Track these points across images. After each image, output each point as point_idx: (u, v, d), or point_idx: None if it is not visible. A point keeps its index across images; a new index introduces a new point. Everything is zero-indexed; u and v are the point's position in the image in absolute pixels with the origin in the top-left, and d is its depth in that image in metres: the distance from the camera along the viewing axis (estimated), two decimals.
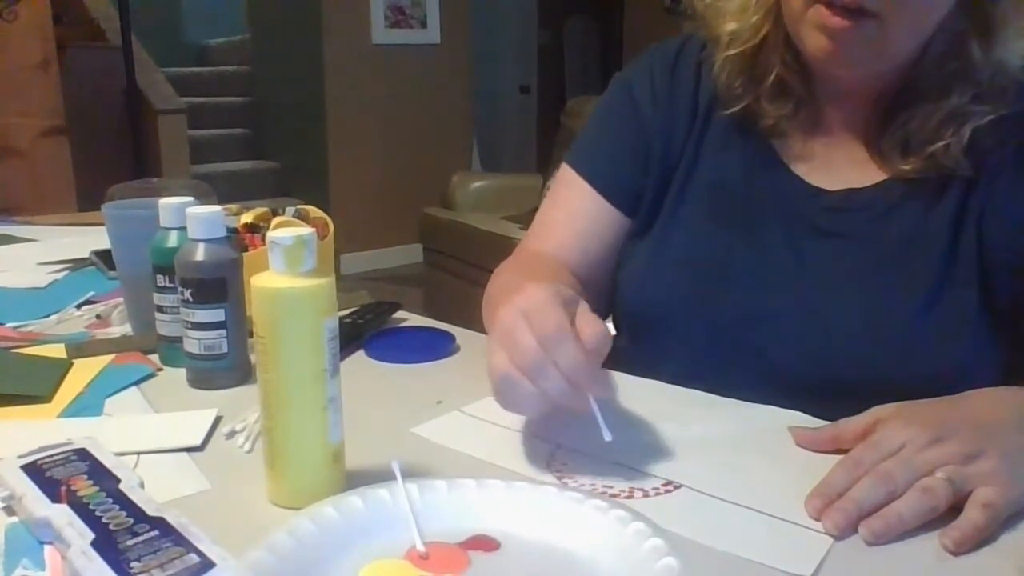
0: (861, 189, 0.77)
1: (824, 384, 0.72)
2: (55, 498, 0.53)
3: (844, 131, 0.80)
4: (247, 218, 0.99)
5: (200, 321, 0.75)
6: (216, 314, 0.75)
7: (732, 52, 0.79)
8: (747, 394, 0.73)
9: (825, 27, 0.68)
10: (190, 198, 0.80)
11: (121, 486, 0.54)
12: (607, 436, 0.57)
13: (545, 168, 3.48)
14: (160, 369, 0.82)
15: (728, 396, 0.73)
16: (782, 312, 0.76)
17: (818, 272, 0.76)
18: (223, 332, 0.75)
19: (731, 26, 0.78)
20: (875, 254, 0.75)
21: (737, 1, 0.78)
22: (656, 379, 0.78)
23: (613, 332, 0.58)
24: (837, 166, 0.79)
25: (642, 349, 0.84)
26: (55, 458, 0.58)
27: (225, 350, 0.76)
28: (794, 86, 0.79)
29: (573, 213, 0.88)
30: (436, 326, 0.94)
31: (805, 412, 0.69)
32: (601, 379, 0.57)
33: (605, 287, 0.89)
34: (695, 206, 0.82)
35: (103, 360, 0.82)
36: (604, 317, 0.90)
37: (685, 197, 0.83)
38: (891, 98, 0.76)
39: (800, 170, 0.80)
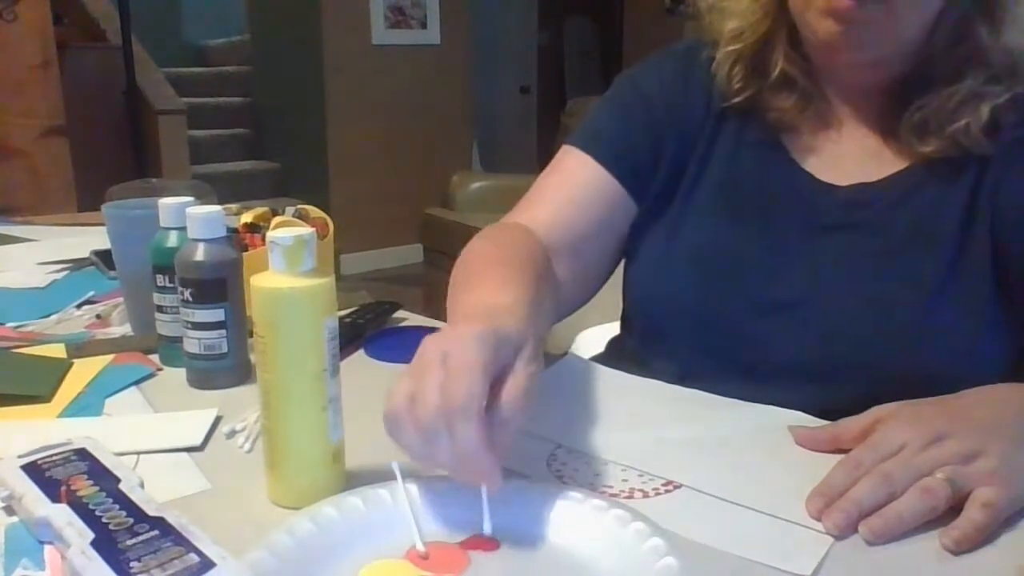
0: (873, 183, 0.77)
1: (834, 375, 0.72)
2: (55, 498, 0.53)
3: (855, 125, 0.80)
4: (247, 218, 0.98)
5: (200, 321, 0.75)
6: (216, 314, 0.75)
7: (733, 48, 0.79)
8: (758, 387, 0.72)
9: (832, 10, 0.69)
10: (190, 198, 0.80)
11: (121, 486, 0.54)
12: (487, 527, 0.51)
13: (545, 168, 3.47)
14: (160, 369, 0.82)
15: (739, 389, 0.73)
16: (793, 305, 0.76)
17: (829, 265, 0.76)
18: (223, 332, 0.75)
19: (732, 24, 0.79)
20: (886, 244, 0.75)
21: (740, 3, 0.78)
22: (666, 374, 0.78)
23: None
24: (848, 161, 0.79)
25: (652, 344, 0.84)
26: (55, 458, 0.58)
27: (225, 350, 0.76)
28: (799, 81, 0.79)
29: (569, 182, 0.85)
30: (436, 326, 0.94)
31: (815, 404, 0.69)
32: (493, 471, 0.49)
33: (599, 263, 0.86)
34: (707, 202, 0.82)
35: (103, 360, 0.82)
36: (594, 292, 0.88)
37: (696, 193, 0.83)
38: (902, 87, 0.75)
39: (811, 167, 0.80)
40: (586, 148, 0.85)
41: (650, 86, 0.86)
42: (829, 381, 0.71)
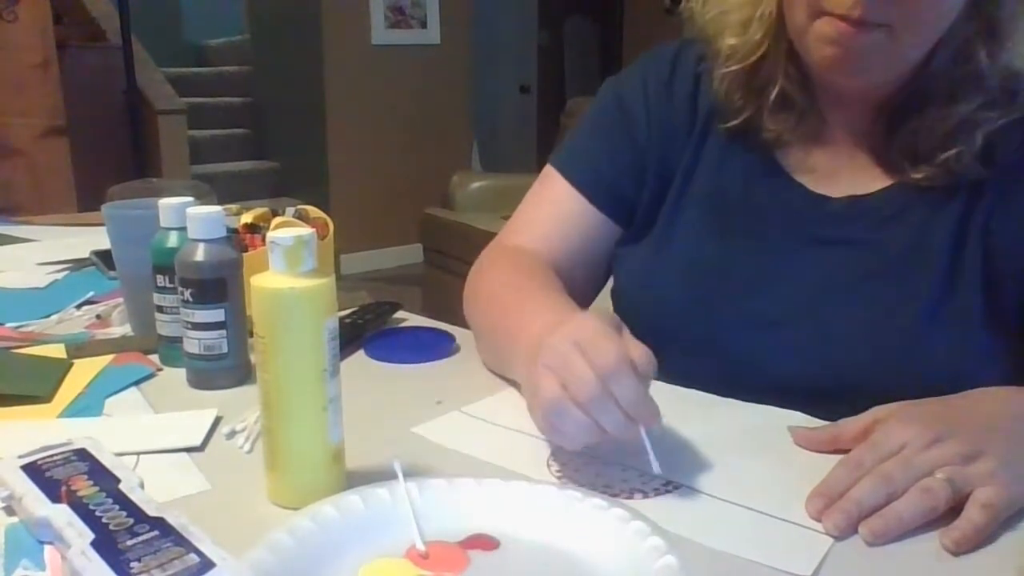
0: (865, 196, 0.76)
1: (824, 391, 0.72)
2: (55, 498, 0.53)
3: (848, 139, 0.79)
4: (247, 218, 0.98)
5: (200, 321, 0.75)
6: (216, 314, 0.75)
7: (731, 68, 0.78)
8: (747, 399, 0.72)
9: (832, 38, 0.67)
10: (190, 198, 0.80)
11: (121, 486, 0.54)
12: (656, 468, 0.56)
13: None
14: (160, 369, 0.82)
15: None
16: (783, 319, 0.75)
17: (820, 279, 0.75)
18: (223, 332, 0.75)
19: (731, 41, 0.77)
20: (878, 260, 0.74)
21: (739, 16, 0.76)
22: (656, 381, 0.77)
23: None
24: (841, 174, 0.78)
25: None
26: (55, 458, 0.58)
27: (225, 350, 0.76)
28: (796, 98, 0.77)
29: (555, 212, 0.86)
30: (436, 326, 0.94)
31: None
32: (654, 410, 0.56)
33: (585, 287, 0.87)
34: (694, 215, 0.81)
35: (103, 360, 0.82)
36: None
37: (683, 205, 0.82)
38: (897, 104, 0.75)
39: (803, 179, 0.79)
40: (567, 175, 0.86)
41: (634, 99, 0.85)
42: (821, 398, 0.70)
